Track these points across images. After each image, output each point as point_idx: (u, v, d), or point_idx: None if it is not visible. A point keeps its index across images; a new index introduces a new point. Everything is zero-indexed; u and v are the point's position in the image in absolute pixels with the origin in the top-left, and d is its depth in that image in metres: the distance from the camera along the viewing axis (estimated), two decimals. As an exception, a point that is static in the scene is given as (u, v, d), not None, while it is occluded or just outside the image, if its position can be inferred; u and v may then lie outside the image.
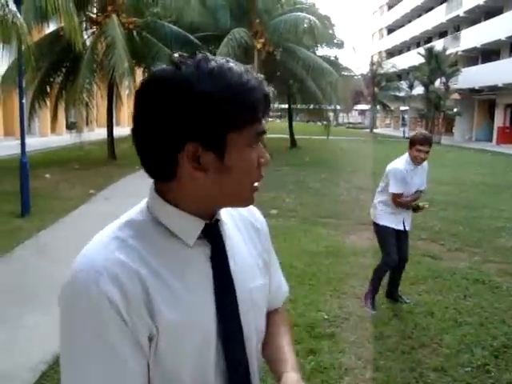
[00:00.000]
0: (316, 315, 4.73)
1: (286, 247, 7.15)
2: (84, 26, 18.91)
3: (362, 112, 74.12)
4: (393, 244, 5.00)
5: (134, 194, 11.73)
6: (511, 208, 10.79)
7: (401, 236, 5.09)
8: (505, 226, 9.03)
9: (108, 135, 19.30)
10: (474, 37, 38.14)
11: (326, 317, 4.69)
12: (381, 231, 5.07)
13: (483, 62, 39.31)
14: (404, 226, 5.09)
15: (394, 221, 5.03)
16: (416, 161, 4.84)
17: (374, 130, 51.19)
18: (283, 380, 1.08)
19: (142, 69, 21.32)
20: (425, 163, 5.02)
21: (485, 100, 39.82)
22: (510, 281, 5.97)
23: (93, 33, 18.84)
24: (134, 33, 19.09)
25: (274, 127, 38.66)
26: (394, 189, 4.92)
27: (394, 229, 5.02)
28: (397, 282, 5.26)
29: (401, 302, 5.17)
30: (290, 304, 4.99)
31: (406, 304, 5.13)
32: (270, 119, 44.27)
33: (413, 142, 4.82)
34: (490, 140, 37.41)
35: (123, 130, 37.26)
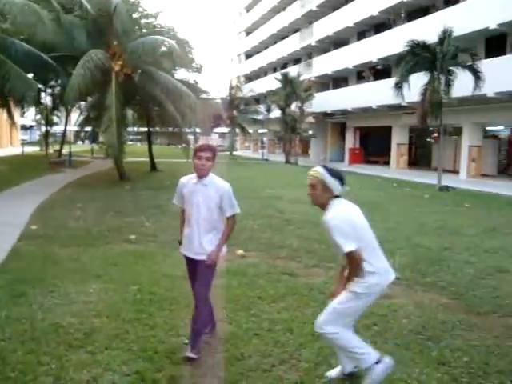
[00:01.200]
0: (176, 340, 4.66)
1: (144, 273, 7.01)
2: None
3: (222, 135, 75.33)
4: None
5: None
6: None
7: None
8: (356, 241, 9.59)
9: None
10: (325, 64, 40.58)
11: (186, 341, 4.64)
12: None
13: (334, 87, 41.90)
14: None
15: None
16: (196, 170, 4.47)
17: (234, 153, 52.20)
18: None
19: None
20: (222, 184, 4.48)
21: (337, 123, 42.40)
22: (361, 293, 6.33)
23: None
24: (-19, 51, 17.89)
25: (135, 151, 38.09)
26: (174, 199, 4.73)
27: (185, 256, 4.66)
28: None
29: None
30: (149, 331, 4.89)
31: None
32: (130, 142, 43.58)
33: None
34: (343, 160, 39.82)
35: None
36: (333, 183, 3.82)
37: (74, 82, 18.52)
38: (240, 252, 8.21)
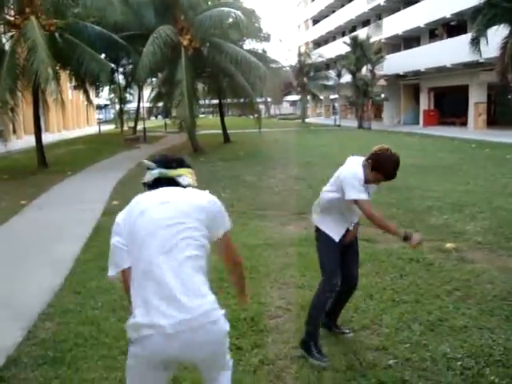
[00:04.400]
0: (258, 308, 4.77)
1: (224, 243, 7.16)
2: (2, 29, 18.23)
3: (293, 103, 74.85)
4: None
5: (67, 202, 11.36)
6: (440, 187, 11.23)
7: (347, 251, 4.06)
8: (435, 204, 9.41)
9: (36, 142, 18.67)
10: (395, 25, 39.29)
11: (268, 309, 4.75)
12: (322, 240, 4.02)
13: (405, 48, 40.56)
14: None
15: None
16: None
17: (306, 120, 51.87)
18: None
19: (67, 72, 20.77)
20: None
21: (410, 85, 41.11)
22: (442, 257, 6.23)
23: (11, 36, 18.14)
24: (56, 35, 18.49)
25: (207, 123, 38.63)
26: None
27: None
28: (337, 311, 4.31)
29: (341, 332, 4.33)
30: (232, 299, 5.01)
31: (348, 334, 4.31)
32: (202, 115, 44.16)
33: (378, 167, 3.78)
34: (417, 123, 38.70)
35: (53, 135, 36.35)
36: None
37: (145, 59, 18.94)
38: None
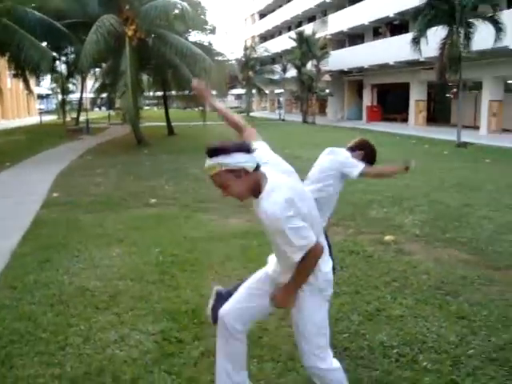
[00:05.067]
0: (199, 300, 4.75)
1: (166, 235, 7.12)
2: None
3: (238, 96, 74.72)
4: None
5: (5, 194, 10.97)
6: (381, 182, 11.46)
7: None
8: (375, 198, 9.63)
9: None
10: (340, 21, 39.82)
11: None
12: None
13: (350, 45, 41.19)
14: None
15: None
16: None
17: (251, 114, 51.88)
18: None
19: (5, 59, 20.08)
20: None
21: (354, 81, 41.83)
22: (381, 249, 6.39)
23: None
24: (-6, 20, 17.85)
25: (152, 115, 38.16)
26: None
27: None
28: None
29: None
30: (173, 292, 5.00)
31: None
32: (146, 107, 43.55)
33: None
34: (361, 118, 39.45)
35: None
36: (239, 159, 2.55)
37: (88, 48, 18.50)
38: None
